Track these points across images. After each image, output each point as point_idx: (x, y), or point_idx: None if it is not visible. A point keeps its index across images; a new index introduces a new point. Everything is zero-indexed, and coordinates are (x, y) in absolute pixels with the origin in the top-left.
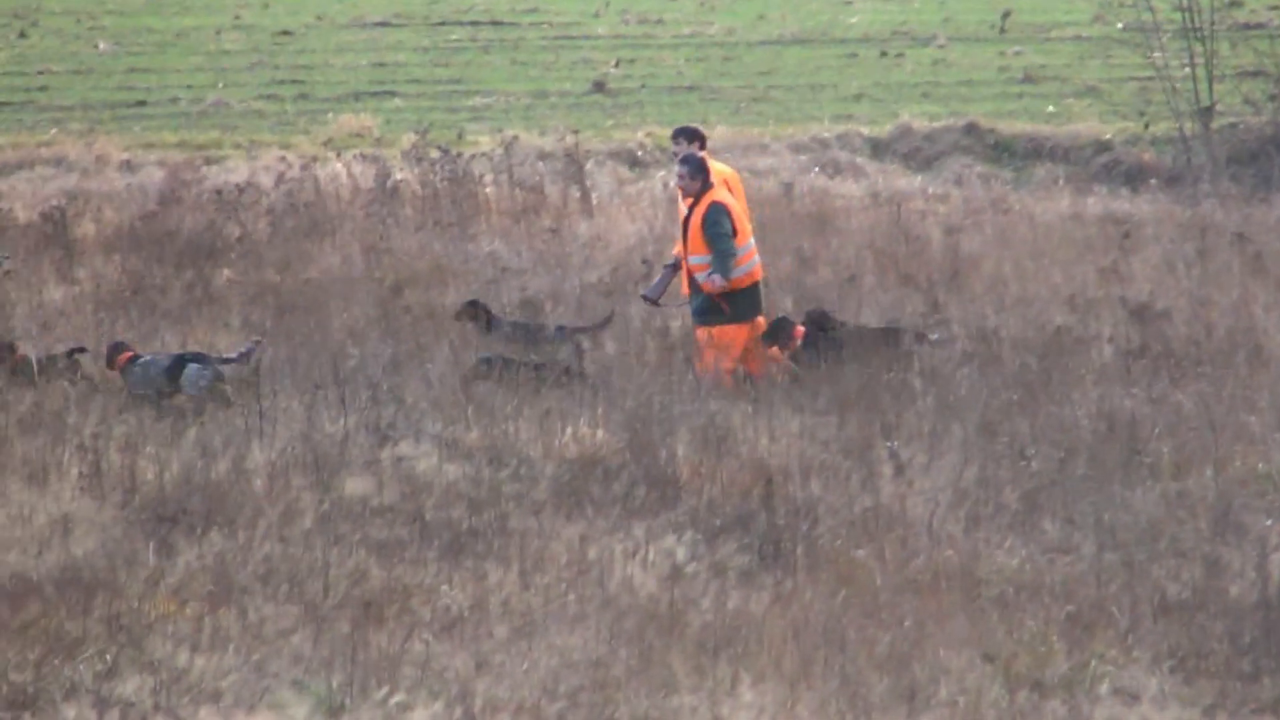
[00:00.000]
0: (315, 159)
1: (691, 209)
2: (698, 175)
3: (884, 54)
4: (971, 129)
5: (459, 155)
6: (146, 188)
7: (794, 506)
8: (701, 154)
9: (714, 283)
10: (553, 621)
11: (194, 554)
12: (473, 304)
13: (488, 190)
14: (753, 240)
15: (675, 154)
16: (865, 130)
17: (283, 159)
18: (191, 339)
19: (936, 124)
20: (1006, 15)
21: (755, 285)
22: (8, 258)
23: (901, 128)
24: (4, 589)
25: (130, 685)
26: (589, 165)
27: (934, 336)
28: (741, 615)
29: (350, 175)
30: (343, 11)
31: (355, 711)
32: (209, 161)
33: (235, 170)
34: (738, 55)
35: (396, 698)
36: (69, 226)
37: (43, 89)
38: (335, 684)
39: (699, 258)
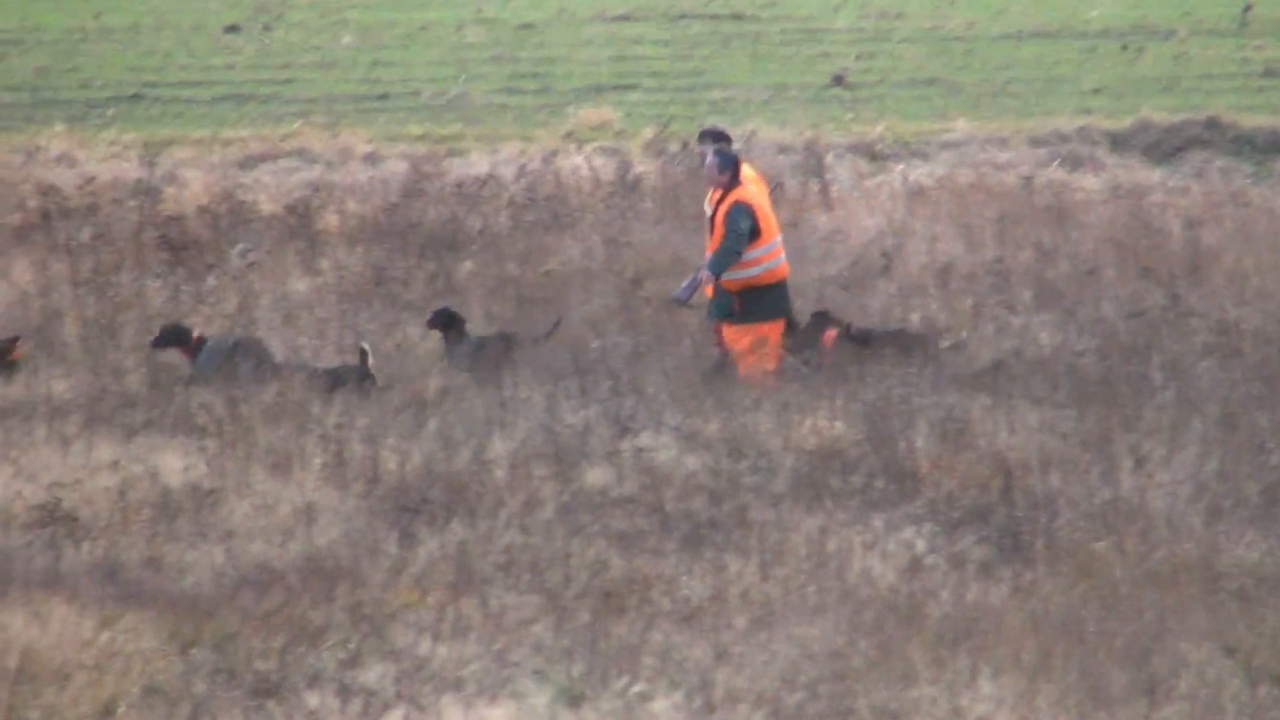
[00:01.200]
0: (556, 152)
1: (717, 205)
2: (725, 168)
3: (1124, 47)
4: (1212, 123)
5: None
6: (389, 180)
7: (1033, 499)
8: (732, 151)
9: (701, 277)
10: (792, 613)
11: (436, 544)
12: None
13: None
14: (779, 239)
15: (701, 155)
16: (1105, 124)
17: (524, 152)
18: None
19: (1176, 118)
20: (1247, 9)
21: (778, 285)
22: (252, 249)
23: (1141, 122)
24: (249, 578)
25: (373, 674)
26: (828, 159)
27: (945, 344)
28: (980, 608)
29: (591, 168)
30: (585, 5)
31: (596, 701)
32: (451, 154)
33: (477, 163)
34: (978, 49)
35: (637, 687)
36: (313, 219)
37: (287, 82)
38: (576, 673)
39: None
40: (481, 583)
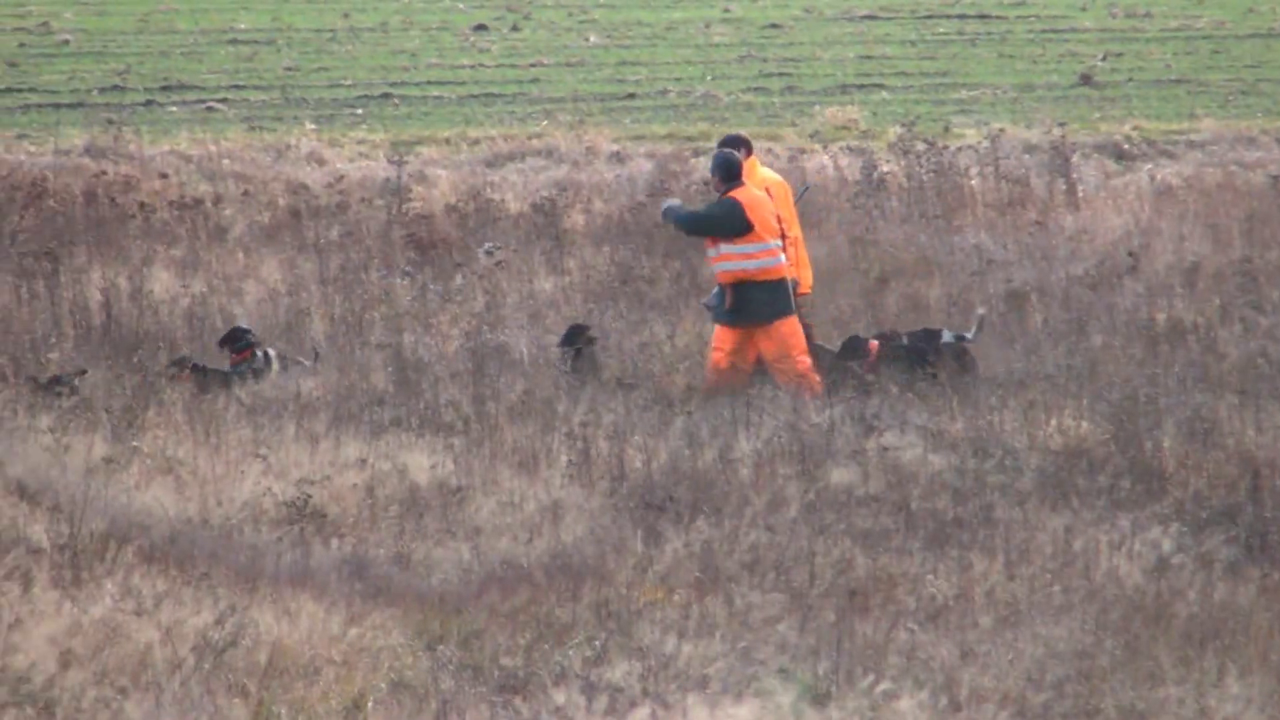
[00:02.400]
0: (802, 151)
1: None
2: (715, 172)
3: None
4: None
5: (944, 148)
6: (635, 179)
7: None
8: (730, 155)
9: (665, 208)
10: (1037, 612)
11: (681, 542)
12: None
13: (972, 183)
14: (779, 242)
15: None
16: None
17: (769, 151)
18: (680, 329)
19: None
20: None
21: (775, 283)
22: (499, 248)
23: None
24: (495, 575)
25: (619, 671)
26: (1075, 158)
27: (969, 335)
28: (1228, 607)
29: (836, 167)
30: (831, 4)
31: (841, 699)
32: (697, 153)
33: None
34: (1226, 48)
35: (882, 686)
36: (559, 217)
37: (534, 81)
38: (821, 671)
39: (713, 251)
40: (727, 581)
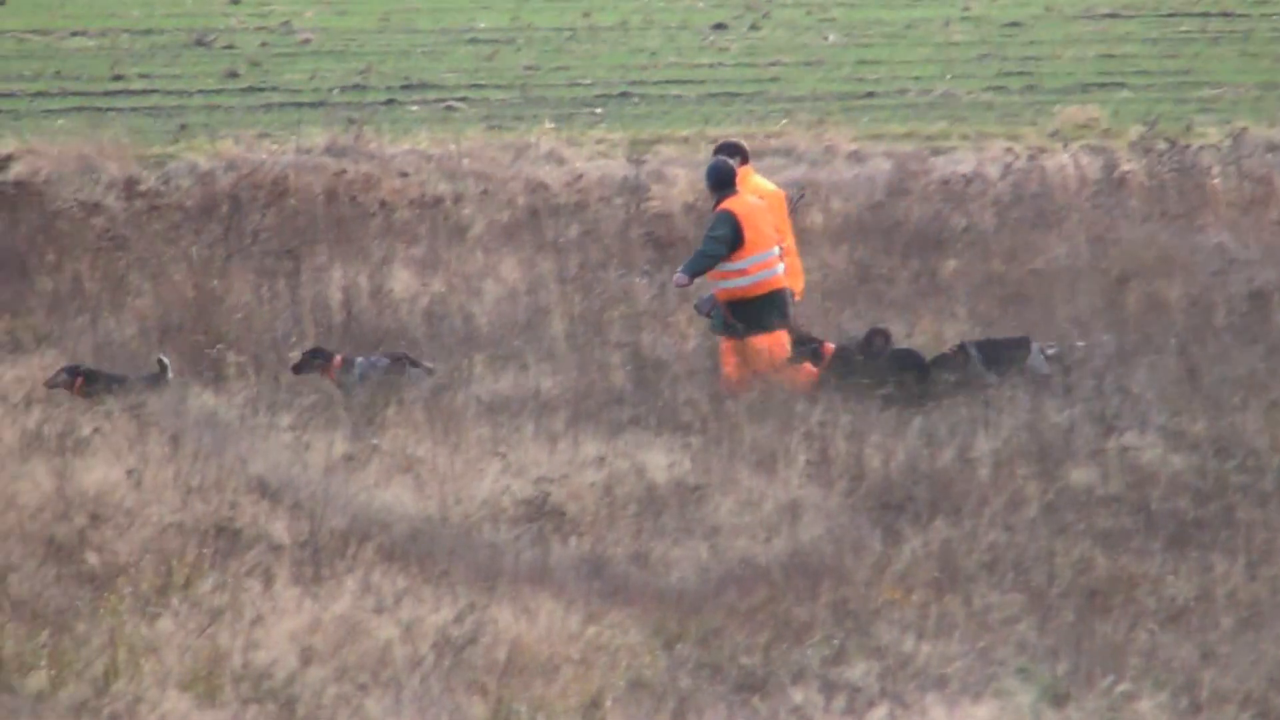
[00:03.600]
0: (1042, 150)
1: None
2: (708, 179)
3: None
4: None
5: (1186, 147)
6: (874, 178)
7: None
8: (724, 162)
9: (677, 279)
10: None
11: (919, 541)
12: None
13: (1214, 182)
14: (774, 252)
15: None
16: None
17: (1009, 150)
18: (919, 328)
19: None
20: None
21: (770, 295)
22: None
23: None
24: (734, 574)
25: (857, 670)
26: None
27: (1050, 351)
28: None
29: (1077, 166)
30: (1071, 3)
31: (1080, 700)
32: (936, 152)
33: (962, 161)
34: None
35: (1121, 687)
36: (797, 216)
37: (773, 80)
38: (1060, 672)
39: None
40: (965, 581)
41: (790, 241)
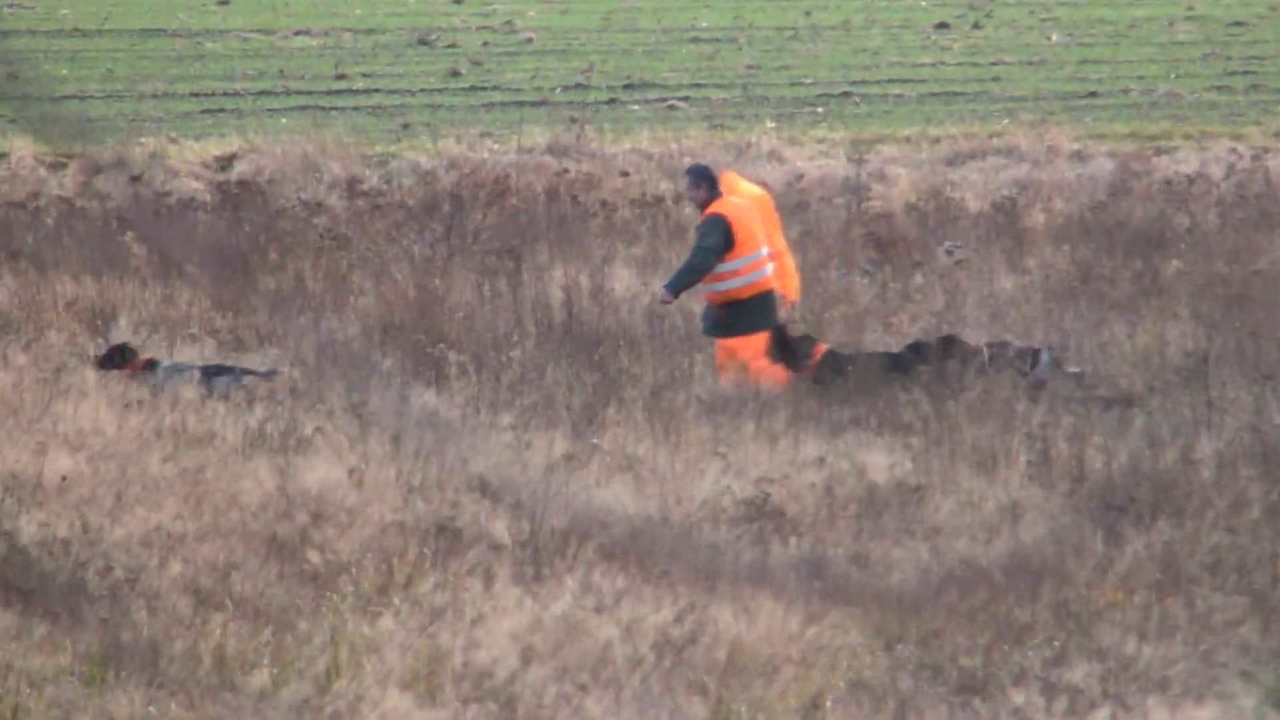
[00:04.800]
0: (1266, 150)
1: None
2: (700, 183)
3: None
4: None
5: None
6: (1096, 178)
7: None
8: (708, 165)
9: (662, 297)
10: None
11: (1141, 543)
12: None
13: None
14: (763, 253)
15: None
16: None
17: (1233, 150)
18: (1140, 329)
19: None
20: None
21: (760, 297)
22: (959, 246)
23: None
24: (954, 575)
25: (1078, 672)
26: None
27: (1072, 370)
28: None
29: None
30: None
31: None
32: (1159, 152)
33: (1185, 161)
34: None
35: None
36: (1019, 216)
37: (995, 80)
38: None
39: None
40: (1188, 582)
41: (781, 242)
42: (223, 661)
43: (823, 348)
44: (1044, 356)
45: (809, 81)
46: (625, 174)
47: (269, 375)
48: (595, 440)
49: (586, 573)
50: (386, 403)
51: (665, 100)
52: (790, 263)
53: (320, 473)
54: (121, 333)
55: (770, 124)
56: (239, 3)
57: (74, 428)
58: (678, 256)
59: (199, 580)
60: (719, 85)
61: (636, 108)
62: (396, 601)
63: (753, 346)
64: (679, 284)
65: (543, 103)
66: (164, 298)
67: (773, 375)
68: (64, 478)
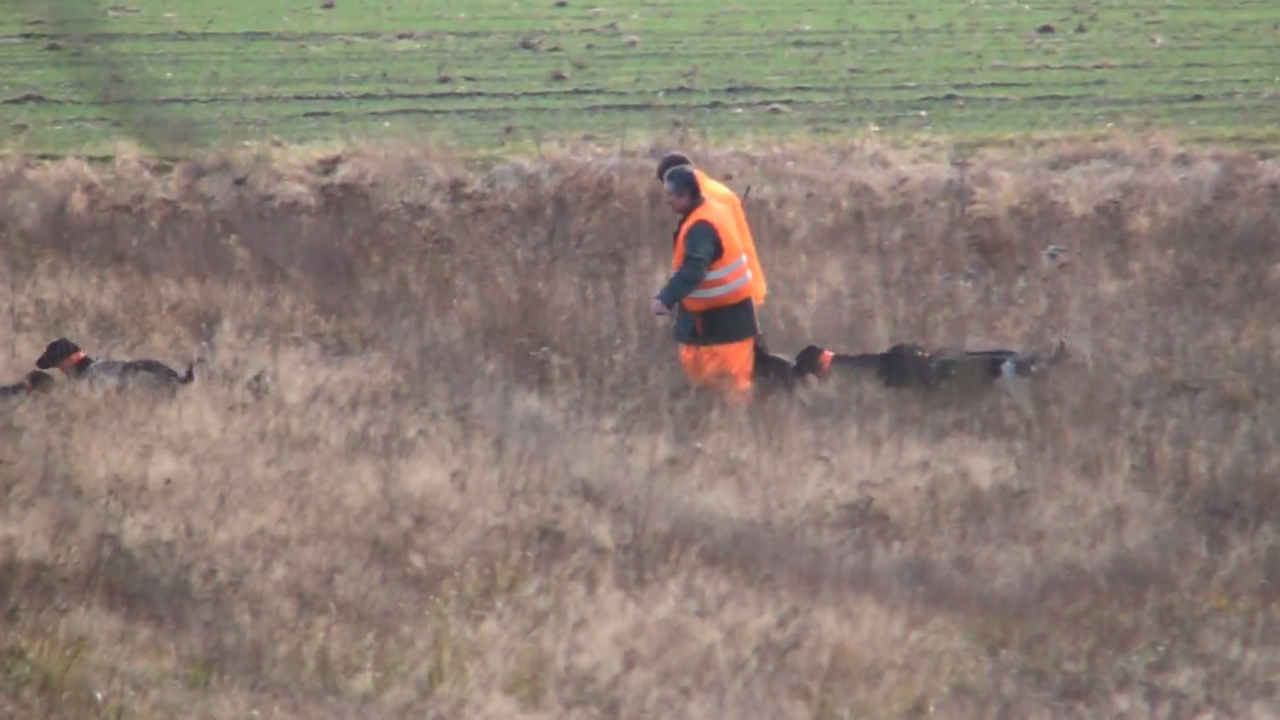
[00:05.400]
0: None
1: (680, 225)
2: (684, 190)
3: None
4: None
5: None
6: (1201, 182)
7: None
8: (690, 170)
9: (654, 305)
10: None
11: (1246, 548)
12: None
13: None
14: (744, 259)
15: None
16: None
17: None
18: (1245, 333)
19: None
20: None
21: (744, 304)
22: (1063, 250)
23: None
24: (1058, 579)
25: (1182, 678)
26: None
27: (1033, 361)
28: None
29: None
30: None
31: None
32: (1264, 156)
33: None
34: None
35: None
36: (1123, 220)
37: (1099, 83)
38: None
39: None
40: None
41: (750, 244)
42: (326, 665)
43: (829, 355)
44: (1008, 364)
45: (912, 85)
46: (728, 177)
47: (185, 379)
48: (698, 444)
49: (689, 577)
50: (489, 406)
51: (768, 104)
52: (758, 265)
53: (423, 476)
54: (225, 336)
55: (874, 127)
56: (343, 6)
57: (178, 431)
58: (780, 260)
59: (302, 583)
60: (822, 89)
61: (739, 111)
62: (499, 605)
63: (735, 354)
64: (674, 295)
65: (646, 106)
66: (267, 301)
67: (744, 386)
68: (168, 481)
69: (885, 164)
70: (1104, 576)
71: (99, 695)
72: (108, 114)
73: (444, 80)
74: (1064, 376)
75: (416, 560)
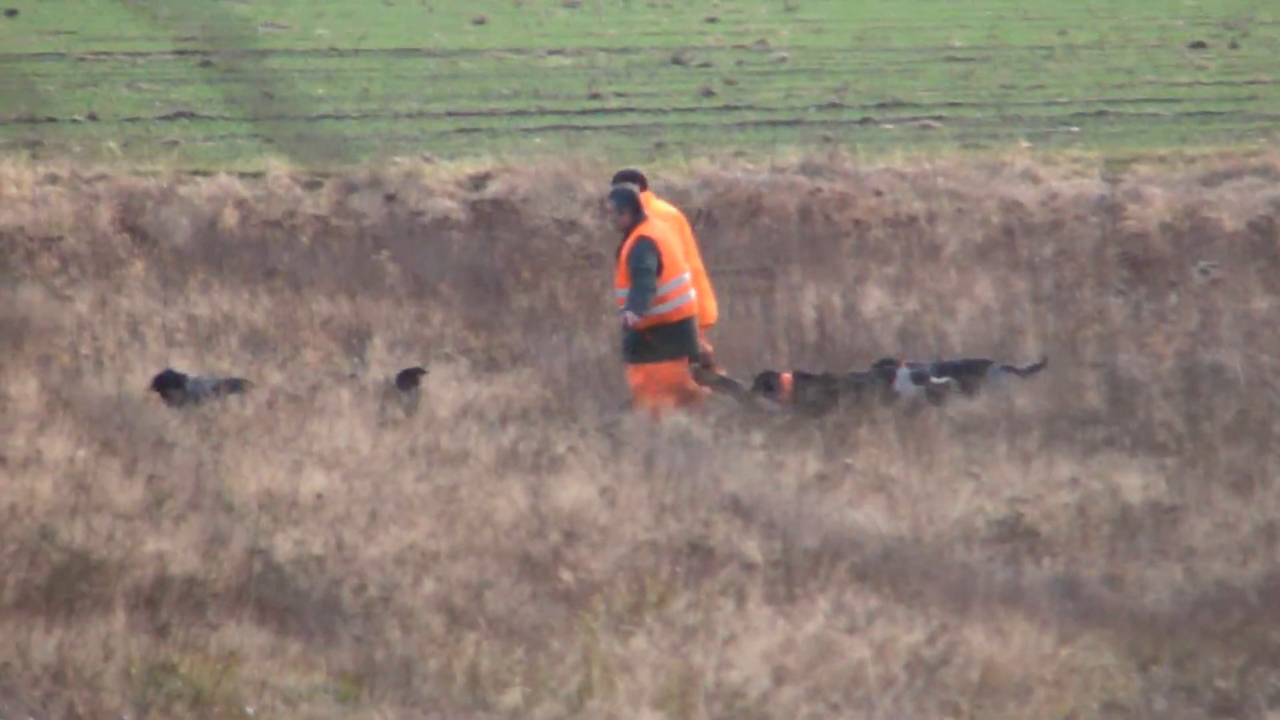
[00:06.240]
0: None
1: (622, 243)
2: (624, 208)
3: None
4: None
5: None
6: None
7: None
8: (633, 188)
9: (627, 318)
10: None
11: None
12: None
13: None
14: (687, 277)
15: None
16: None
17: None
18: None
19: None
20: None
21: (686, 322)
22: (1214, 266)
23: None
24: (1209, 596)
25: None
26: None
27: (1021, 369)
28: None
29: None
30: None
31: None
32: None
33: None
34: None
35: None
36: (1276, 236)
37: (1252, 99)
38: None
39: (624, 291)
40: None
41: (697, 263)
42: (476, 680)
43: (788, 377)
44: (901, 372)
45: (1064, 100)
46: (879, 193)
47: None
48: (847, 460)
49: (839, 593)
50: (638, 422)
51: (919, 119)
52: (707, 284)
53: (573, 492)
54: (376, 352)
55: (1024, 143)
56: (494, 22)
57: (329, 446)
58: (930, 276)
59: (452, 599)
60: (973, 104)
61: (890, 127)
62: (649, 620)
63: (668, 373)
64: (640, 305)
65: (796, 122)
66: (418, 317)
67: (669, 404)
68: (319, 496)
69: (1036, 180)
70: (1256, 593)
71: (250, 710)
72: (259, 130)
73: (594, 96)
74: (1216, 393)
75: (566, 575)
